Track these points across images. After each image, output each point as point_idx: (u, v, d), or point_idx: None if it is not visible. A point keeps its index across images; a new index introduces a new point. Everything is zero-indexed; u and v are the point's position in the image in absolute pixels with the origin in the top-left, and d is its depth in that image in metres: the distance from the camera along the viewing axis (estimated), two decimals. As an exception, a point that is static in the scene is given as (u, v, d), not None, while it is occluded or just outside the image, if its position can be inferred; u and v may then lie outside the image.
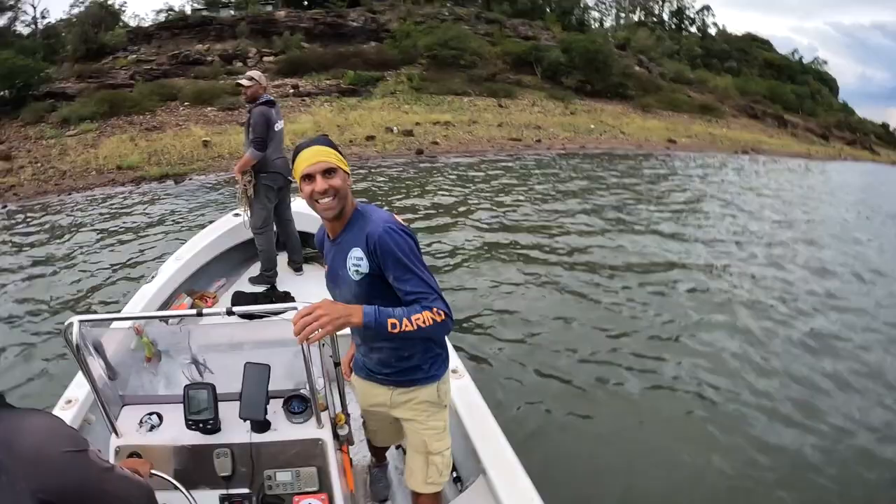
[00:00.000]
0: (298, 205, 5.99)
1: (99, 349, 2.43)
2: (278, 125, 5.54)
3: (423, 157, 20.49)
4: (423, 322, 1.98)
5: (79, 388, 3.06)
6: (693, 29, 76.97)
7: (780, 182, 21.90)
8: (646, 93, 44.08)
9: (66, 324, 2.23)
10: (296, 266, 6.00)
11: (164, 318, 3.07)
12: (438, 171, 17.98)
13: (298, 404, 2.45)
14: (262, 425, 2.38)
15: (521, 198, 13.91)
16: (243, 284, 5.67)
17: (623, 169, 20.53)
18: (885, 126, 78.50)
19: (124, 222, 11.72)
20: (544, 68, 42.25)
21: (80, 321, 2.25)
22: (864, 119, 74.60)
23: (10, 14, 44.90)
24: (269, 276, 5.63)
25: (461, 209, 12.38)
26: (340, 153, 2.15)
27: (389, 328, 1.95)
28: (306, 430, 2.38)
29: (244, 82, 5.51)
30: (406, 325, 1.96)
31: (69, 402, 3.00)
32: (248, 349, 2.50)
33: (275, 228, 5.84)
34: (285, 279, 5.78)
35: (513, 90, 38.07)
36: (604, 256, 9.51)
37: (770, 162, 30.70)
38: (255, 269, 5.79)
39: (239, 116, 25.21)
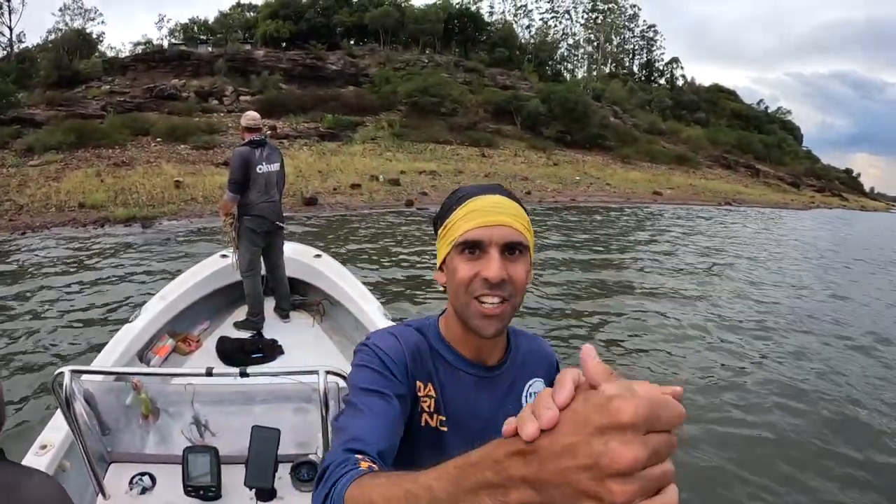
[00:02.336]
0: (293, 249, 5.89)
1: (90, 401, 2.29)
2: (262, 167, 5.34)
3: (414, 209, 19.66)
4: None
5: (55, 432, 2.64)
6: (662, 81, 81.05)
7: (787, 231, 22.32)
8: (623, 144, 45.29)
9: (55, 373, 2.10)
10: (283, 313, 5.64)
11: (169, 377, 2.81)
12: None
13: (308, 471, 2.31)
14: (268, 494, 2.23)
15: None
16: (228, 329, 5.34)
17: (629, 223, 20.15)
18: (848, 172, 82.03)
19: (80, 270, 10.45)
20: (524, 118, 42.69)
21: (72, 371, 2.13)
22: (828, 165, 78.07)
23: None
24: (254, 321, 5.32)
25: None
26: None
27: None
28: None
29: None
30: None
31: (44, 447, 2.54)
32: (256, 407, 2.39)
33: (264, 272, 5.60)
34: (271, 326, 5.48)
35: (494, 140, 38.18)
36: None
37: (760, 213, 32.27)
38: (240, 312, 5.49)
39: (213, 156, 24.59)
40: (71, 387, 2.09)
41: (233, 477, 2.24)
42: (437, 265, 1.27)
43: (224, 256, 5.66)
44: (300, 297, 5.81)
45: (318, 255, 5.81)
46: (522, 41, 69.20)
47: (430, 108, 38.65)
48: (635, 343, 8.18)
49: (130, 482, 2.34)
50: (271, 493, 2.23)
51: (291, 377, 2.29)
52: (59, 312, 7.94)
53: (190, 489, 2.23)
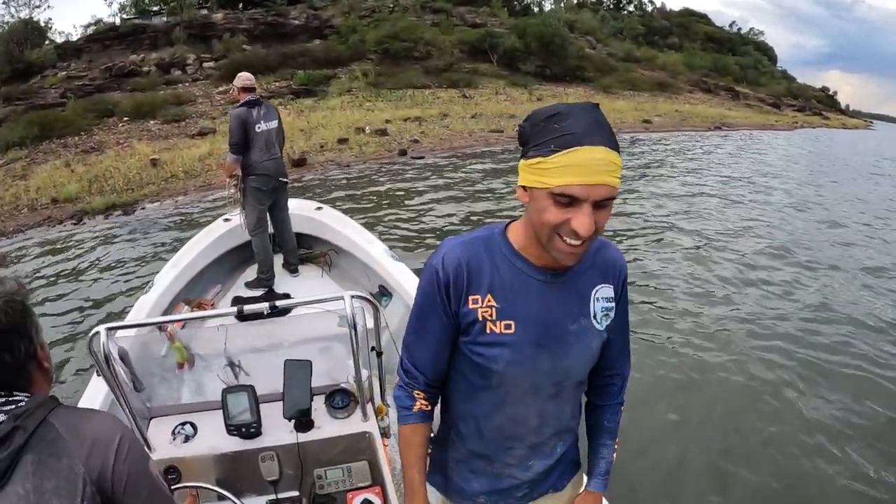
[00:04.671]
0: (294, 204, 5.98)
1: (125, 358, 2.31)
2: (260, 126, 5.45)
3: (409, 158, 18.56)
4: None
5: (94, 394, 2.80)
6: (631, 7, 79.17)
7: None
8: (602, 74, 44.49)
9: (91, 333, 2.15)
10: (291, 268, 5.86)
11: (203, 319, 2.97)
12: (437, 170, 16.35)
13: (342, 398, 2.40)
14: (306, 424, 2.30)
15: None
16: (240, 289, 5.57)
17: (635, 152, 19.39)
18: (824, 90, 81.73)
19: (66, 271, 9.67)
20: (500, 55, 41.36)
21: (108, 328, 2.17)
22: (804, 85, 77.99)
23: None
24: (265, 279, 5.54)
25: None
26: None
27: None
28: (352, 425, 2.32)
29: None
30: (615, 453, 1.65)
31: None
32: (286, 346, 2.45)
33: (270, 230, 5.77)
34: (281, 281, 5.69)
35: (472, 80, 36.94)
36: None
37: (751, 135, 32.78)
38: (250, 272, 5.70)
39: (186, 128, 23.60)
40: (108, 345, 2.11)
41: (271, 413, 2.32)
42: (521, 183, 1.30)
43: (227, 220, 5.77)
44: (306, 250, 6.00)
45: (320, 208, 5.95)
46: (487, -24, 66.52)
47: (402, 53, 37.27)
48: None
49: (173, 433, 2.40)
50: (309, 424, 2.29)
51: (318, 306, 2.36)
52: (61, 319, 7.40)
53: (231, 428, 2.27)
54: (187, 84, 32.57)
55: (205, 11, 47.13)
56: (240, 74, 5.70)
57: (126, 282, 8.62)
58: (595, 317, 1.46)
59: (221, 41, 37.85)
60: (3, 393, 1.30)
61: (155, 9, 55.25)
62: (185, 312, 4.49)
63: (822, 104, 70.05)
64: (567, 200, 1.21)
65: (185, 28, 39.77)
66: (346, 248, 5.30)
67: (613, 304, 1.48)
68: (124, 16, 52.49)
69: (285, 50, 37.20)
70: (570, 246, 1.25)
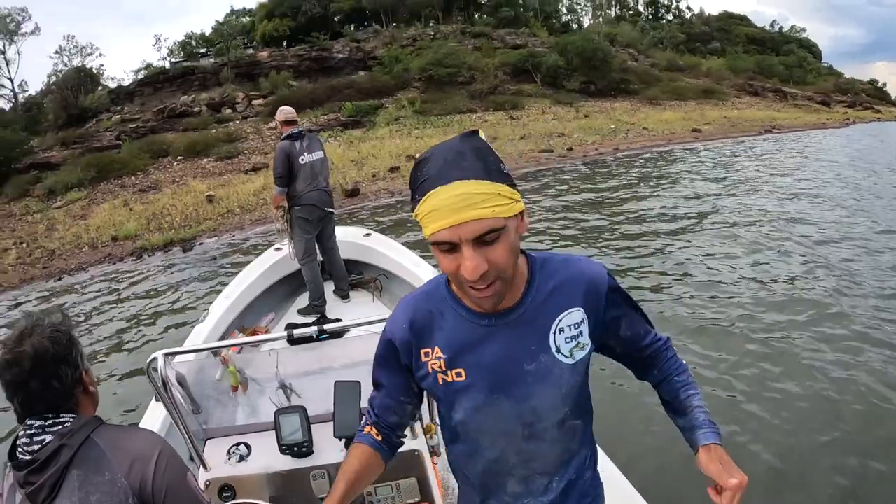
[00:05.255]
0: (342, 232, 6.09)
1: (182, 382, 2.42)
2: (304, 157, 5.59)
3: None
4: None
5: (153, 421, 2.87)
6: (669, 16, 78.47)
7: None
8: (647, 85, 43.72)
9: (150, 358, 2.26)
10: (342, 294, 5.92)
11: (255, 344, 3.15)
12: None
13: None
14: None
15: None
16: (293, 316, 5.62)
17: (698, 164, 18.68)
18: (872, 83, 79.22)
19: (130, 306, 9.76)
20: (543, 74, 41.05)
21: (165, 354, 2.29)
22: (852, 79, 75.82)
23: None
24: (317, 305, 5.58)
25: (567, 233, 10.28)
26: (506, 175, 1.17)
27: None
28: (406, 443, 2.16)
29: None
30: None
31: None
32: (336, 369, 2.54)
33: (320, 258, 5.85)
34: (333, 307, 5.72)
35: (518, 101, 36.65)
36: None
37: (802, 137, 31.20)
38: (302, 300, 5.76)
39: (239, 164, 23.88)
40: (165, 370, 2.23)
41: (322, 433, 2.37)
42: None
43: (278, 249, 5.92)
44: (356, 276, 6.04)
45: (368, 234, 6.07)
46: (524, -2, 66.82)
47: (446, 79, 37.35)
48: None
49: (228, 453, 2.48)
50: None
51: (365, 328, 2.47)
52: (124, 349, 7.71)
53: (284, 448, 2.36)
54: (238, 121, 33.17)
55: (250, 51, 48.21)
56: (281, 108, 5.89)
57: (184, 312, 8.74)
58: (559, 351, 1.33)
59: (268, 78, 38.46)
60: (51, 415, 1.46)
61: (202, 51, 56.88)
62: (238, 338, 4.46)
63: (871, 97, 66.96)
64: (447, 247, 1.16)
65: (233, 68, 40.69)
66: (396, 273, 5.34)
67: (583, 328, 1.34)
68: (173, 59, 54.16)
69: (331, 83, 37.66)
70: (475, 291, 1.19)
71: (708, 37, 69.08)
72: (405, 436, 1.63)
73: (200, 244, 14.29)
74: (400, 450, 2.03)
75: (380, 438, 1.53)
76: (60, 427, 1.43)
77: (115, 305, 10.04)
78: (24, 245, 16.88)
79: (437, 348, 1.36)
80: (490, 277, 1.16)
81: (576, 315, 1.33)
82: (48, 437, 1.41)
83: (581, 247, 9.69)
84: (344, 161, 21.88)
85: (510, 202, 1.15)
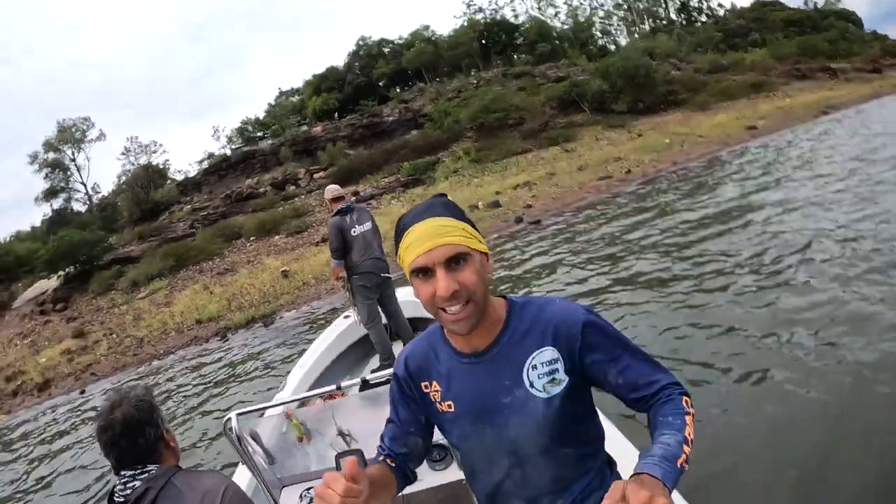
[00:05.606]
0: (404, 292, 6.29)
1: (256, 438, 2.79)
2: (356, 229, 5.95)
3: (525, 224, 18.10)
4: (692, 431, 1.35)
5: (242, 475, 3.06)
6: (703, 18, 76.88)
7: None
8: (694, 92, 42.60)
9: (225, 419, 2.63)
10: None
11: (310, 399, 3.41)
12: (554, 231, 15.51)
13: (439, 452, 2.77)
14: None
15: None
16: (367, 376, 5.15)
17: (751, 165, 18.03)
18: None
19: (217, 381, 10.24)
20: (590, 101, 40.69)
21: (238, 414, 2.65)
22: None
23: (64, 195, 47.98)
24: (387, 364, 5.74)
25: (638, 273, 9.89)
26: (470, 221, 1.45)
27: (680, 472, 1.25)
28: (450, 475, 2.60)
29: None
30: (686, 451, 1.29)
31: None
32: (385, 410, 2.27)
33: (385, 320, 6.07)
34: None
35: (570, 133, 36.35)
36: None
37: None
38: (374, 361, 5.98)
39: (309, 237, 24.51)
40: (238, 428, 2.57)
41: None
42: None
43: (347, 317, 6.32)
44: (423, 331, 5.39)
45: None
46: (557, 31, 67.04)
47: (496, 124, 37.41)
48: None
49: (300, 497, 2.81)
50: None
51: None
52: (216, 418, 8.04)
53: None
54: (303, 196, 34.03)
55: (304, 127, 49.79)
56: (328, 188, 6.38)
57: (267, 381, 9.07)
58: (533, 386, 1.46)
59: (325, 151, 39.46)
60: (139, 466, 1.79)
61: (259, 134, 59.09)
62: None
63: (919, 57, 64.07)
64: (423, 273, 1.37)
65: (291, 146, 41.97)
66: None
67: (558, 366, 1.45)
68: (233, 146, 56.38)
69: (386, 147, 38.40)
70: (451, 315, 1.37)
71: (745, 29, 67.15)
72: (415, 474, 1.75)
73: (280, 318, 14.61)
74: (449, 480, 2.40)
75: (393, 465, 1.68)
76: (146, 475, 1.77)
77: (203, 381, 10.53)
78: (114, 335, 17.81)
79: (434, 382, 1.58)
80: (461, 297, 1.35)
81: (547, 354, 1.45)
82: (137, 483, 1.75)
83: (636, 265, 9.37)
84: (409, 220, 22.18)
85: (474, 238, 1.40)
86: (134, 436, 1.79)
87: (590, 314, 1.48)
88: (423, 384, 1.60)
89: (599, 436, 1.61)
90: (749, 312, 6.32)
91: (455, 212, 1.43)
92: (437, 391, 1.58)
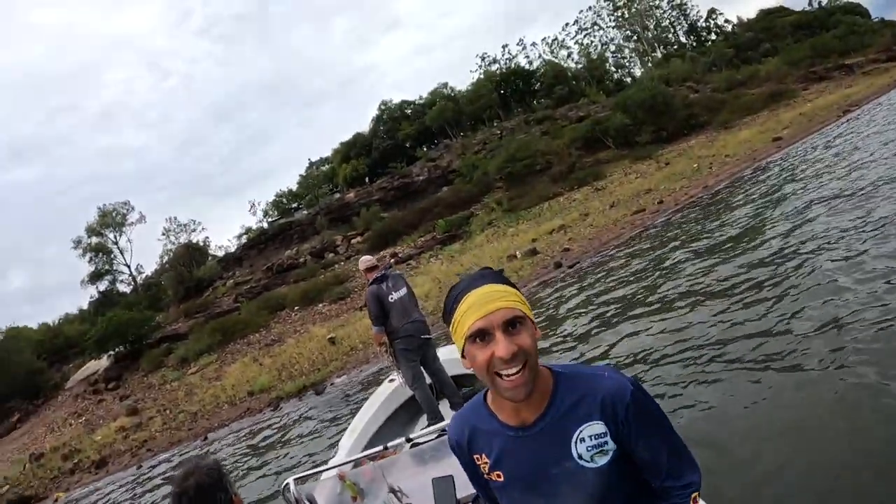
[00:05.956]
0: (446, 351, 6.51)
1: (312, 501, 2.92)
2: (393, 296, 6.13)
3: (565, 269, 18.02)
4: None
5: None
6: (713, 37, 76.74)
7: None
8: (715, 112, 42.57)
9: (283, 484, 2.85)
10: (458, 408, 5.45)
11: (362, 460, 3.51)
12: (593, 272, 15.38)
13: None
14: None
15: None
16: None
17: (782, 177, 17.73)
18: None
19: (271, 448, 10.44)
20: (614, 137, 40.89)
21: (295, 479, 2.88)
22: None
23: (108, 277, 49.13)
24: (435, 422, 5.75)
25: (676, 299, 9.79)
26: (519, 291, 1.50)
27: None
28: None
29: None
30: None
31: None
32: (432, 466, 2.92)
33: (429, 380, 6.20)
34: None
35: (598, 171, 36.53)
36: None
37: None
38: (423, 420, 6.09)
39: (352, 303, 24.75)
40: (295, 492, 2.77)
41: None
42: (460, 354, 1.49)
43: (391, 380, 6.48)
44: (467, 387, 6.44)
45: None
46: (572, 71, 67.93)
47: (524, 171, 37.81)
48: None
49: None
50: None
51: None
52: (274, 486, 8.02)
53: None
54: (342, 263, 34.60)
55: (337, 195, 50.73)
56: (361, 259, 6.63)
57: (322, 447, 9.17)
58: (581, 458, 1.49)
59: (360, 217, 40.15)
60: None
61: (294, 205, 60.30)
62: (369, 467, 4.62)
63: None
64: (481, 336, 1.40)
65: (326, 214, 42.87)
66: (469, 369, 5.70)
67: (606, 438, 1.48)
68: (269, 219, 57.57)
69: (419, 206, 39.04)
70: (507, 379, 1.39)
71: (755, 41, 66.60)
72: None
73: (332, 384, 14.68)
74: None
75: None
76: None
77: (258, 450, 10.73)
78: (168, 411, 18.10)
79: (483, 454, 1.60)
80: (520, 360, 1.38)
81: (596, 427, 1.48)
82: None
83: (676, 298, 9.18)
84: (449, 276, 22.14)
85: (526, 305, 1.45)
86: (207, 500, 1.98)
87: (637, 390, 1.50)
88: (474, 455, 1.63)
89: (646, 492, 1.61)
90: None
91: (506, 281, 1.49)
92: (485, 463, 1.61)
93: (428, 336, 6.26)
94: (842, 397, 4.60)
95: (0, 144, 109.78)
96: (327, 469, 3.35)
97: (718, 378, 5.88)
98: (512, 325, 1.40)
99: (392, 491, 2.99)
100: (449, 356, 6.34)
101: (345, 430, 9.14)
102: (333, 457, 5.10)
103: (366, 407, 6.22)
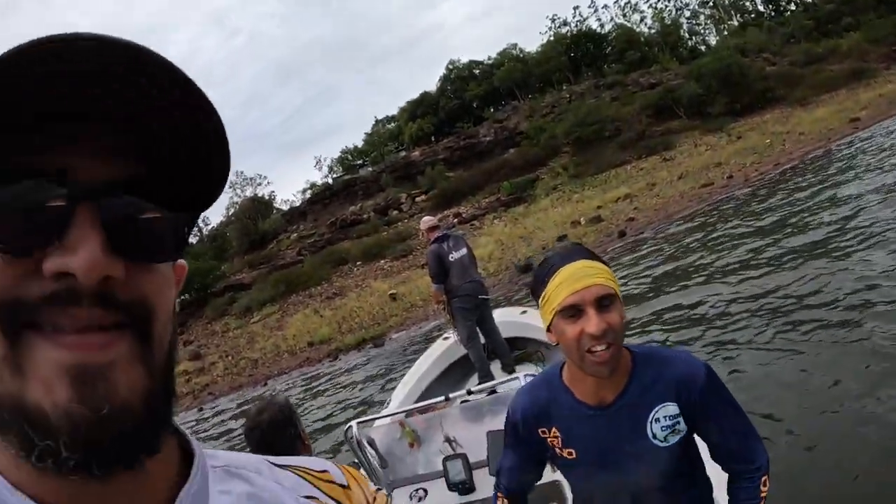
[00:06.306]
0: (500, 313, 6.71)
1: (372, 444, 3.16)
2: (453, 255, 6.27)
3: (628, 238, 17.71)
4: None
5: None
6: (792, 7, 72.00)
7: None
8: (792, 87, 40.38)
9: (346, 427, 3.03)
10: (508, 369, 6.16)
11: (419, 409, 3.69)
12: (658, 243, 15.08)
13: None
14: None
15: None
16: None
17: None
18: None
19: (329, 396, 10.86)
20: (686, 106, 39.55)
21: (358, 422, 3.04)
22: None
23: None
24: (486, 381, 5.55)
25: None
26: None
27: None
28: (543, 475, 2.31)
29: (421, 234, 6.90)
30: None
31: None
32: (487, 420, 3.13)
33: (483, 340, 6.30)
34: None
35: (667, 140, 35.58)
36: None
37: None
38: (474, 379, 6.12)
39: (414, 260, 24.90)
40: (357, 435, 2.95)
41: (481, 475, 2.93)
42: (545, 327, 1.50)
43: (446, 338, 6.54)
44: (519, 350, 6.46)
45: (524, 312, 6.54)
46: (644, 36, 65.71)
47: (593, 137, 37.15)
48: None
49: (410, 497, 3.14)
50: None
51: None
52: (335, 427, 8.32)
53: (451, 486, 2.96)
54: (406, 220, 34.78)
55: (403, 153, 50.79)
56: (422, 220, 6.78)
57: (377, 398, 9.33)
58: (655, 437, 1.52)
59: (425, 175, 40.18)
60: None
61: (359, 162, 60.75)
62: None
63: None
64: (572, 312, 1.38)
65: (391, 172, 42.99)
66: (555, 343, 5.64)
67: (679, 419, 1.51)
68: (334, 175, 58.20)
69: (485, 167, 38.76)
70: (596, 357, 1.37)
71: (837, 14, 62.42)
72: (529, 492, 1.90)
73: (391, 339, 14.90)
74: (543, 481, 2.42)
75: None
76: None
77: (317, 397, 11.04)
78: (230, 357, 18.67)
79: (553, 429, 1.61)
80: (609, 338, 1.37)
81: (670, 409, 1.51)
82: None
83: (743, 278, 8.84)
84: (512, 239, 22.12)
85: (616, 283, 1.44)
86: (277, 434, 2.12)
87: (710, 375, 1.52)
88: (540, 430, 1.63)
89: (706, 478, 1.68)
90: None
91: (599, 257, 1.48)
92: (556, 437, 1.62)
93: (486, 297, 6.41)
94: None
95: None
96: (388, 416, 3.50)
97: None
98: (604, 302, 1.40)
99: (447, 440, 3.21)
100: (504, 318, 6.50)
101: (399, 382, 9.43)
102: (385, 406, 5.27)
103: (420, 361, 6.34)
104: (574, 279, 1.40)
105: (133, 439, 0.46)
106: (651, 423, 1.52)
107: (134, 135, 0.47)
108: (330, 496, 0.65)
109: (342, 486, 0.69)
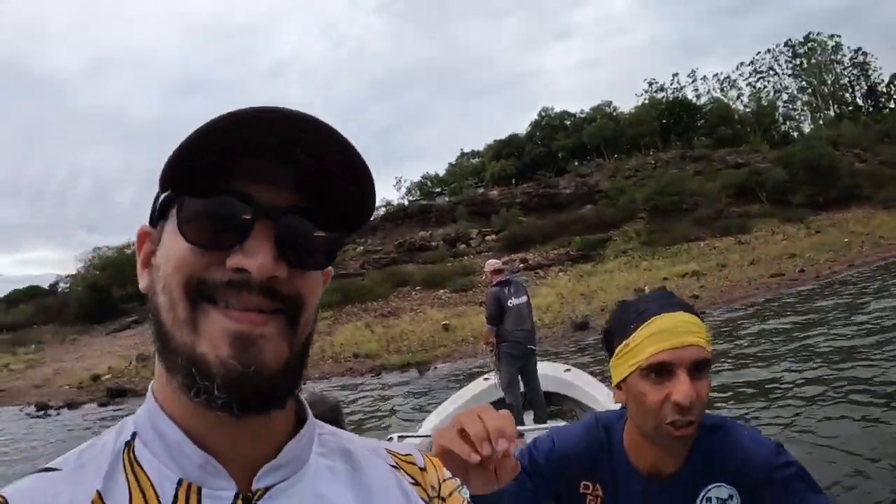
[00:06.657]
0: (545, 366, 6.79)
1: None
2: (512, 301, 6.52)
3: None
4: None
5: None
6: (892, 105, 69.65)
7: None
8: (879, 188, 38.38)
9: (387, 437, 3.17)
10: (541, 422, 6.22)
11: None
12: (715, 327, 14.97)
13: None
14: None
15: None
16: None
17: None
18: None
19: (365, 410, 11.23)
20: (768, 191, 38.54)
21: (399, 436, 3.32)
22: None
23: None
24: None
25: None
26: None
27: None
28: None
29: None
30: None
31: None
32: None
33: (522, 388, 6.46)
34: None
35: (745, 223, 34.75)
36: None
37: None
38: None
39: (473, 297, 25.21)
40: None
41: None
42: (615, 382, 1.33)
43: (486, 379, 6.71)
44: (555, 406, 6.59)
45: (568, 370, 6.61)
46: (739, 114, 64.84)
47: (670, 207, 36.67)
48: None
49: None
50: None
51: (531, 433, 3.36)
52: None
53: None
54: (472, 256, 35.09)
55: (481, 189, 51.37)
56: (488, 262, 7.06)
57: (409, 419, 9.70)
58: None
59: (499, 215, 40.36)
60: None
61: (437, 190, 61.69)
62: None
63: None
64: (660, 371, 1.22)
65: (466, 206, 43.52)
66: (591, 406, 5.63)
67: (734, 501, 1.34)
68: (411, 198, 59.26)
69: (559, 218, 38.74)
70: (678, 429, 1.22)
71: None
72: None
73: (435, 368, 15.23)
74: None
75: None
76: None
77: (351, 405, 11.49)
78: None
79: (597, 486, 1.45)
80: (695, 412, 1.21)
81: (724, 490, 1.34)
82: None
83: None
84: (574, 295, 22.17)
85: (711, 348, 1.28)
86: None
87: (780, 455, 1.33)
88: (582, 483, 1.46)
89: None
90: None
91: (697, 313, 1.30)
92: (596, 496, 1.45)
93: (534, 347, 6.64)
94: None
95: (174, 77, 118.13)
96: (424, 436, 3.62)
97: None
98: (699, 368, 1.22)
99: None
100: (547, 372, 6.64)
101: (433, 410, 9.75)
102: (417, 429, 5.42)
103: (457, 395, 6.46)
104: (672, 333, 1.22)
105: (268, 394, 0.61)
106: (701, 500, 1.37)
107: (306, 183, 0.64)
108: (407, 472, 0.79)
109: (421, 468, 0.82)
